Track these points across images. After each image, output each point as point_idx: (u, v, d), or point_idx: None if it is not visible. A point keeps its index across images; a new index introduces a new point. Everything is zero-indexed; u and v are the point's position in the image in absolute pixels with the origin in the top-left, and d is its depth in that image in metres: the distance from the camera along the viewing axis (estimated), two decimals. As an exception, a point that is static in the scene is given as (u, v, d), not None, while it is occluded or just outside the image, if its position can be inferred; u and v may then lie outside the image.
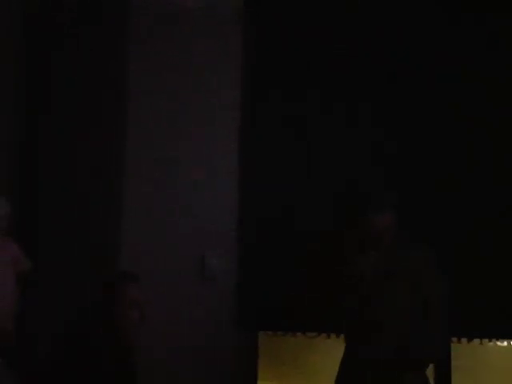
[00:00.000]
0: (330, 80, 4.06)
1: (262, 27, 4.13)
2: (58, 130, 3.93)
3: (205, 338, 3.77)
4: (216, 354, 3.79)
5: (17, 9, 3.89)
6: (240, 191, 4.00)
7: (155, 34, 3.91)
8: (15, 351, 3.27)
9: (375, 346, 3.14)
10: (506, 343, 4.30)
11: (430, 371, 4.01)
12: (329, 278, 3.45)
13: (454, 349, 4.01)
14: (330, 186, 3.96)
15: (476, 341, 4.11)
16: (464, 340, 4.07)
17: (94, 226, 3.77)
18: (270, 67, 4.10)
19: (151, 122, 3.88)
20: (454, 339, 4.02)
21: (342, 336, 3.40)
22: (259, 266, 3.97)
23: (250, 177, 4.04)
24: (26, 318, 3.47)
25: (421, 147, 4.00)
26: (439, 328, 3.18)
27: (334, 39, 4.09)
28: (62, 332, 3.03)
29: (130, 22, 3.88)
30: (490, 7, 4.04)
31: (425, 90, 4.02)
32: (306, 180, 4.00)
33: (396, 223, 3.26)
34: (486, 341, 4.15)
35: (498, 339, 4.23)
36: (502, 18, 4.03)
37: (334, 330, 3.90)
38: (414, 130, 4.00)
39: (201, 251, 3.88)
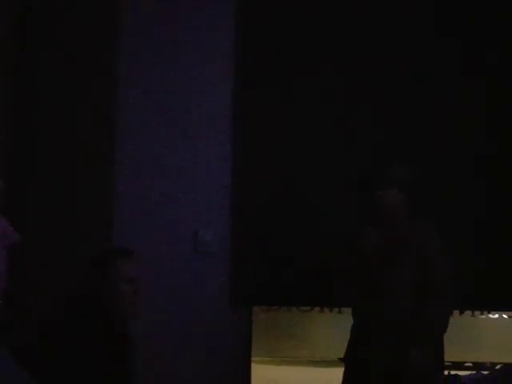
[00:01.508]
0: (325, 68, 4.06)
1: (253, 23, 4.11)
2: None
3: (198, 313, 3.77)
4: (210, 328, 3.80)
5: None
6: (233, 165, 3.99)
7: (144, 30, 3.89)
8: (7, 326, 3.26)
9: (384, 321, 3.16)
10: (497, 315, 4.34)
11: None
12: (325, 253, 3.46)
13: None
14: (327, 160, 3.96)
15: (467, 313, 4.15)
16: (456, 312, 4.11)
17: (85, 203, 3.76)
18: (261, 59, 4.09)
19: (145, 107, 3.88)
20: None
21: (335, 310, 3.42)
22: (253, 240, 3.97)
23: (244, 151, 4.03)
24: (13, 296, 3.46)
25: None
26: (445, 302, 3.20)
27: (325, 34, 4.08)
28: (53, 309, 3.03)
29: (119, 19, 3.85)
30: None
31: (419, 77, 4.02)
32: (301, 155, 4.00)
33: (407, 200, 3.23)
34: (477, 313, 4.20)
35: (489, 312, 4.26)
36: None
37: (328, 304, 3.93)
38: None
39: (194, 226, 3.88)
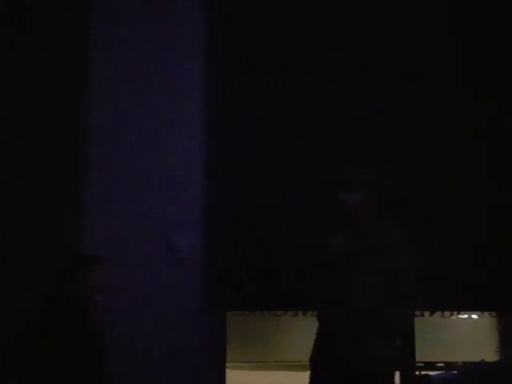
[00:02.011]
0: (294, 66, 4.10)
1: (224, 13, 4.15)
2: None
3: (172, 319, 3.79)
4: (184, 334, 3.82)
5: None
6: (206, 172, 4.02)
7: (118, 18, 3.89)
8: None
9: (348, 318, 3.20)
10: (466, 316, 4.40)
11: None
12: (298, 256, 3.50)
13: (418, 321, 4.10)
14: (299, 163, 4.00)
15: (438, 313, 4.20)
16: (426, 313, 4.16)
17: (57, 209, 3.75)
18: (234, 52, 4.12)
19: (117, 108, 3.88)
20: (417, 312, 4.11)
21: (309, 313, 3.45)
22: (226, 245, 4.00)
23: (216, 157, 4.06)
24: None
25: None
26: (408, 302, 3.26)
27: (299, 26, 4.12)
28: (28, 312, 3.04)
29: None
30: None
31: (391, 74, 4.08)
32: (273, 158, 4.04)
33: (371, 201, 3.30)
34: (447, 313, 4.25)
35: (459, 312, 4.32)
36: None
37: (301, 308, 3.96)
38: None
39: (167, 231, 3.89)
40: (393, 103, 4.03)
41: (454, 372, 3.32)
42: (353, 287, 3.21)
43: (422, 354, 4.17)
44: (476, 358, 3.57)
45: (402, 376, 3.81)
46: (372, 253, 3.23)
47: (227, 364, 4.12)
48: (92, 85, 3.84)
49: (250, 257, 3.95)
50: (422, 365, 4.67)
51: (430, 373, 3.30)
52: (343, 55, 4.06)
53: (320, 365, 3.30)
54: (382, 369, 3.21)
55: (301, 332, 4.19)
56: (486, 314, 4.38)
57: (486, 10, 4.11)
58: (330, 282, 3.25)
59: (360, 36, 4.07)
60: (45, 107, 3.85)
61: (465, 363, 4.85)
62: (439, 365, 6.32)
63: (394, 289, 3.22)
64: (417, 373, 3.83)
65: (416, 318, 4.10)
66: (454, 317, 4.38)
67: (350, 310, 3.20)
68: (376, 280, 3.21)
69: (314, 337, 3.39)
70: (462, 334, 4.44)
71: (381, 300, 3.20)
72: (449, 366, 6.00)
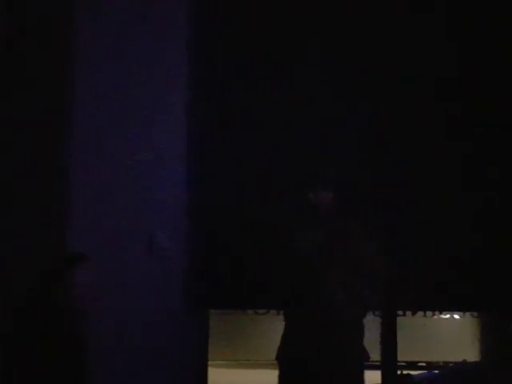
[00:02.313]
0: (275, 69, 4.10)
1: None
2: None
3: (155, 317, 3.78)
4: (167, 332, 3.80)
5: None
6: (188, 170, 4.01)
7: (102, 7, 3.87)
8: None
9: (317, 319, 3.24)
10: (448, 316, 4.43)
11: (376, 343, 4.13)
12: (274, 255, 3.52)
13: (400, 321, 4.13)
14: (276, 162, 4.00)
15: (420, 313, 4.23)
16: (409, 313, 4.18)
17: (39, 206, 3.72)
18: (216, 49, 4.11)
19: (98, 107, 3.86)
20: (400, 312, 4.13)
21: None
22: (209, 244, 3.99)
23: (198, 155, 4.06)
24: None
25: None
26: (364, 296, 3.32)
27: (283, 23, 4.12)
28: (9, 311, 3.02)
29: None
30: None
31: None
32: (255, 158, 4.04)
33: (335, 199, 3.34)
34: (429, 313, 4.28)
35: (441, 312, 4.35)
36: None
37: (284, 307, 3.96)
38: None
39: (150, 229, 3.88)
40: (387, 107, 4.04)
41: (436, 372, 3.34)
42: (323, 286, 3.25)
43: (404, 354, 4.19)
44: (458, 358, 3.59)
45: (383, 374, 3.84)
46: (341, 251, 3.26)
47: (210, 362, 4.12)
48: (77, 81, 3.81)
49: (234, 256, 3.95)
50: (404, 364, 4.70)
51: (412, 372, 3.31)
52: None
53: (289, 363, 3.33)
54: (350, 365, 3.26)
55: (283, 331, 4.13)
56: (467, 314, 4.40)
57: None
58: (300, 280, 3.29)
59: (354, 41, 4.08)
60: (27, 103, 3.81)
61: (446, 363, 4.89)
62: (421, 364, 6.38)
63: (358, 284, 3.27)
64: (399, 372, 3.85)
65: (398, 318, 4.12)
66: (435, 317, 4.41)
67: (319, 308, 3.23)
68: (345, 277, 3.25)
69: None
70: (444, 333, 4.47)
71: (350, 296, 3.25)
72: (430, 365, 6.05)
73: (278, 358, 3.41)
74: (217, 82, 4.09)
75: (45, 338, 2.86)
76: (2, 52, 3.82)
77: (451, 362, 4.77)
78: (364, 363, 3.31)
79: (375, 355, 4.19)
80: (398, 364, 4.15)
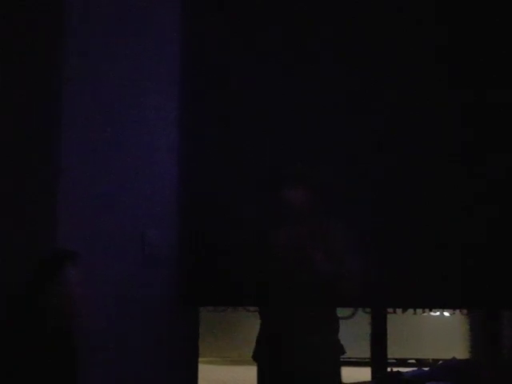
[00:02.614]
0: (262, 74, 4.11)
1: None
2: None
3: (145, 313, 3.77)
4: (157, 329, 3.80)
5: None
6: (180, 167, 4.01)
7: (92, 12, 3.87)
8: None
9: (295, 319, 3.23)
10: (438, 313, 4.45)
11: (366, 340, 4.14)
12: (262, 253, 3.53)
13: (390, 318, 4.14)
14: (264, 162, 4.01)
15: (410, 311, 4.24)
16: (399, 310, 4.20)
17: (28, 204, 3.71)
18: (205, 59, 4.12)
19: (90, 105, 3.85)
20: (390, 309, 4.15)
21: None
22: (200, 241, 3.99)
23: (191, 152, 4.06)
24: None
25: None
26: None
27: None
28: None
29: None
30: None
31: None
32: (244, 158, 4.04)
33: (313, 197, 3.32)
34: (419, 311, 4.30)
35: (430, 309, 4.37)
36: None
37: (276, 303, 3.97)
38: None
39: (141, 226, 3.88)
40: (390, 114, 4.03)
41: (426, 369, 3.36)
42: (299, 284, 3.25)
43: (393, 351, 4.21)
44: (448, 356, 3.61)
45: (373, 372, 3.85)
46: (315, 248, 3.24)
47: (200, 359, 4.12)
48: (66, 81, 3.80)
49: (224, 253, 3.95)
50: (393, 361, 4.72)
51: (402, 369, 3.33)
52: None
53: (268, 363, 3.32)
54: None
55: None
56: (457, 311, 4.42)
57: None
58: (275, 279, 3.29)
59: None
60: (18, 100, 3.80)
61: (436, 360, 4.91)
62: (411, 361, 6.40)
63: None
64: (388, 369, 3.85)
65: (388, 315, 4.14)
66: (425, 314, 4.43)
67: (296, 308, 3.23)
68: (320, 278, 3.26)
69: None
70: (434, 331, 4.48)
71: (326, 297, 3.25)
72: (420, 362, 6.07)
73: (254, 357, 3.41)
74: (211, 80, 4.09)
75: (35, 336, 2.85)
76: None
77: (441, 360, 4.79)
78: (340, 358, 3.32)
79: (365, 352, 4.21)
80: (388, 361, 4.17)
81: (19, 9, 3.81)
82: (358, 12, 4.09)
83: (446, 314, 4.29)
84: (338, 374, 3.38)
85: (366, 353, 4.16)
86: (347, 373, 3.65)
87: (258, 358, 3.40)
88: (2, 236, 3.66)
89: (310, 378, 3.24)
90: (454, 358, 3.50)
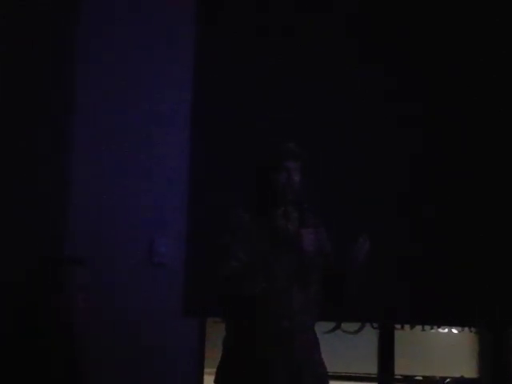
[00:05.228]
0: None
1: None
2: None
3: (152, 324, 3.76)
4: (163, 339, 3.79)
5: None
6: (189, 177, 4.01)
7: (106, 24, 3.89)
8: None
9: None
10: (446, 330, 4.41)
11: (373, 356, 4.10)
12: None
13: (397, 334, 4.11)
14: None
15: (418, 327, 4.21)
16: (407, 326, 4.17)
17: (39, 210, 3.72)
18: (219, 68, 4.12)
19: (99, 113, 3.85)
20: (398, 326, 4.12)
21: None
22: (207, 252, 3.97)
23: (200, 162, 4.05)
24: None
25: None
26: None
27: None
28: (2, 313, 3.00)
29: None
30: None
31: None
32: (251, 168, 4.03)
33: (301, 181, 3.02)
34: (427, 327, 4.27)
35: (439, 326, 4.34)
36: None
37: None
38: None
39: (149, 237, 3.87)
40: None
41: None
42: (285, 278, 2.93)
43: (400, 368, 4.16)
44: (455, 374, 3.57)
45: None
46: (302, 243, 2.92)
47: (205, 370, 4.10)
48: (77, 83, 3.81)
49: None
50: (400, 378, 4.67)
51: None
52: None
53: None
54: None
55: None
56: (466, 329, 4.39)
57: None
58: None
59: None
60: (27, 105, 3.81)
61: (444, 378, 4.85)
62: (417, 378, 6.34)
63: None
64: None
65: (396, 331, 4.10)
66: (433, 330, 4.39)
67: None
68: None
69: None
70: (442, 348, 4.44)
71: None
72: (428, 380, 6.01)
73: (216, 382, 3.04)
74: (221, 86, 4.09)
75: (40, 339, 2.85)
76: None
77: (448, 377, 4.74)
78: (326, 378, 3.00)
79: (372, 368, 4.17)
80: (395, 378, 4.13)
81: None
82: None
83: (455, 331, 4.25)
84: None
85: (372, 368, 4.12)
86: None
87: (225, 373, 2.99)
88: (12, 241, 3.67)
89: None
90: (462, 377, 3.46)
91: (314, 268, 3.00)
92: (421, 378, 6.25)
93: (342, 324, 4.46)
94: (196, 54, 4.06)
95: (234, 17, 4.13)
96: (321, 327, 3.11)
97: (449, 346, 4.51)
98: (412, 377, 5.28)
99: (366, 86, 4.04)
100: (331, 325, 4.37)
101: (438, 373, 5.39)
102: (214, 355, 4.03)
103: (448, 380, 3.55)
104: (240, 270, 2.93)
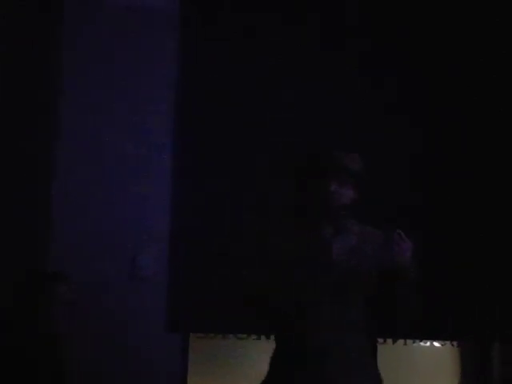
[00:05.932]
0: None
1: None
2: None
3: (136, 339, 3.76)
4: (146, 355, 3.79)
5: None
6: (172, 192, 4.01)
7: (90, 29, 3.89)
8: None
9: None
10: (428, 343, 4.43)
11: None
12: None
13: (380, 349, 4.12)
14: (265, 186, 4.01)
15: (400, 341, 4.22)
16: (389, 341, 4.18)
17: (22, 226, 3.71)
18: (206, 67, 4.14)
19: (84, 120, 3.86)
20: (380, 340, 4.13)
21: (273, 337, 3.10)
22: (191, 267, 3.98)
23: (183, 176, 4.06)
24: None
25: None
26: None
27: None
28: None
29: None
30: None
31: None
32: (239, 180, 4.05)
33: (350, 194, 2.61)
34: (410, 341, 4.28)
35: (421, 340, 4.36)
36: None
37: (264, 332, 3.95)
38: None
39: (133, 252, 3.87)
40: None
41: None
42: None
43: (384, 382, 4.17)
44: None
45: None
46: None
47: (188, 385, 4.10)
48: (63, 83, 3.81)
49: (215, 279, 3.94)
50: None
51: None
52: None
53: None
54: None
55: (264, 356, 4.15)
56: (448, 342, 4.41)
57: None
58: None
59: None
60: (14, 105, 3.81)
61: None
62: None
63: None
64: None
65: (378, 345, 4.12)
66: (415, 344, 4.41)
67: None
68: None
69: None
70: (424, 361, 4.45)
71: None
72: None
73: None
74: (207, 91, 4.11)
75: (23, 354, 2.84)
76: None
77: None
78: None
79: None
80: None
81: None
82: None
83: (437, 344, 4.27)
84: None
85: None
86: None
87: None
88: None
89: None
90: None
91: (356, 281, 2.63)
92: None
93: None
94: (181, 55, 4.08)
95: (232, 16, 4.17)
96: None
97: (431, 359, 4.53)
98: (395, 391, 5.29)
99: (366, 86, 4.08)
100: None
101: (420, 387, 5.41)
102: (196, 371, 4.03)
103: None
104: (265, 280, 2.66)
